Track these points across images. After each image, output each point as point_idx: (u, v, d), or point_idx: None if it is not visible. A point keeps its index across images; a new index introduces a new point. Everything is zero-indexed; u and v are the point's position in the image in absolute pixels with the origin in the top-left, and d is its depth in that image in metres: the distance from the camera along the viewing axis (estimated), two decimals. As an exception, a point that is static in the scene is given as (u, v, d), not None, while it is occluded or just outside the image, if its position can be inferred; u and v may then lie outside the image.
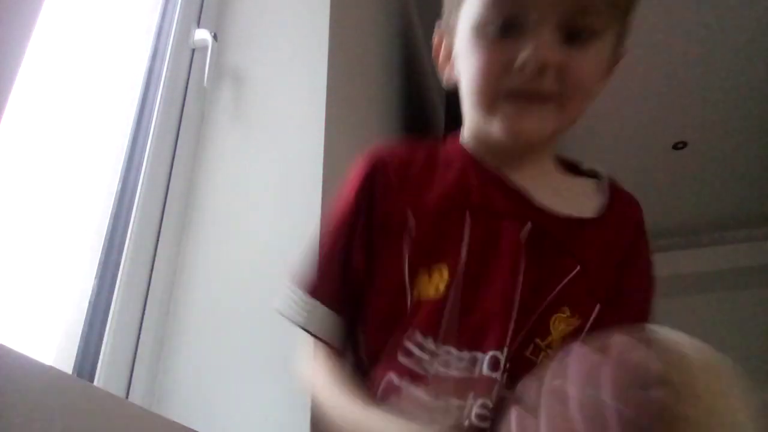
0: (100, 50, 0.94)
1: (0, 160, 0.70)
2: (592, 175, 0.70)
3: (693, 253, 3.47)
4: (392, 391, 0.58)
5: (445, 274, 0.60)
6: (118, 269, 0.84)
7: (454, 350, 0.57)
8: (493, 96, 0.60)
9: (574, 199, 0.66)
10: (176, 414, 0.79)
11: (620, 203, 0.67)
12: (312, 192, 0.91)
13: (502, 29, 0.59)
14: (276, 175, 0.96)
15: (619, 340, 0.42)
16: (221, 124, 1.04)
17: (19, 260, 0.74)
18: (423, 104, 2.05)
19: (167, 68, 1.00)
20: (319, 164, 0.93)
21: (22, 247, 0.74)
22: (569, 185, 0.69)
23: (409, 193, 0.65)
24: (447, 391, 0.55)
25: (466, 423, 0.53)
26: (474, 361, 0.56)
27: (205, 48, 1.05)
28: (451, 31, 0.67)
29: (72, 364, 0.75)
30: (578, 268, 0.60)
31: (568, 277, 0.60)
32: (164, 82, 0.99)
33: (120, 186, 0.89)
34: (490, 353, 0.56)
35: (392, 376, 0.58)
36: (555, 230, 0.61)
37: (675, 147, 2.96)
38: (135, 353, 0.84)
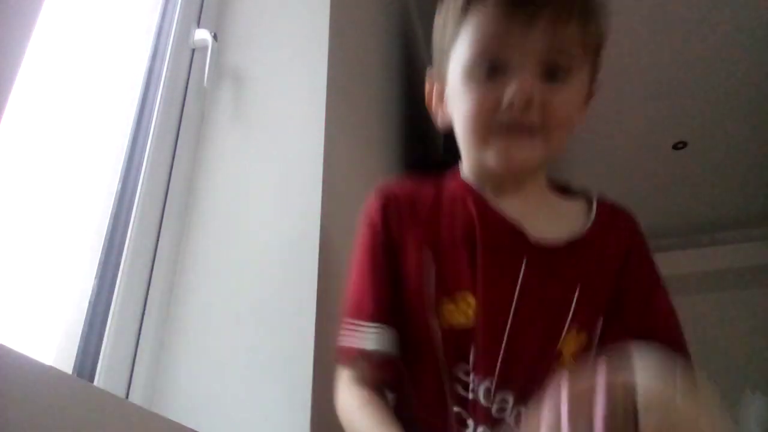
0: (101, 50, 0.94)
1: (0, 160, 0.70)
2: (582, 194, 0.75)
3: (693, 253, 3.47)
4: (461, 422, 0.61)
5: (471, 300, 0.64)
6: (118, 269, 0.84)
7: (486, 381, 0.61)
8: (485, 131, 0.66)
9: (566, 220, 0.71)
10: (176, 414, 0.79)
11: (609, 217, 0.72)
12: (312, 192, 0.91)
13: (489, 71, 0.65)
14: (276, 175, 0.96)
15: (600, 376, 0.43)
16: (221, 124, 1.03)
17: (20, 260, 0.74)
18: (423, 104, 2.04)
19: (167, 68, 1.00)
20: (319, 164, 0.93)
21: (22, 247, 0.75)
22: (561, 207, 0.74)
23: (421, 229, 0.70)
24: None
25: None
26: (504, 401, 0.61)
27: (205, 48, 1.05)
28: (442, 77, 0.73)
29: (72, 364, 0.75)
30: (578, 288, 0.65)
31: (574, 300, 0.64)
32: (164, 82, 0.99)
33: (120, 186, 0.89)
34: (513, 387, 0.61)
35: (456, 410, 0.62)
36: (550, 259, 0.66)
37: (675, 147, 2.96)
38: (135, 353, 0.84)
